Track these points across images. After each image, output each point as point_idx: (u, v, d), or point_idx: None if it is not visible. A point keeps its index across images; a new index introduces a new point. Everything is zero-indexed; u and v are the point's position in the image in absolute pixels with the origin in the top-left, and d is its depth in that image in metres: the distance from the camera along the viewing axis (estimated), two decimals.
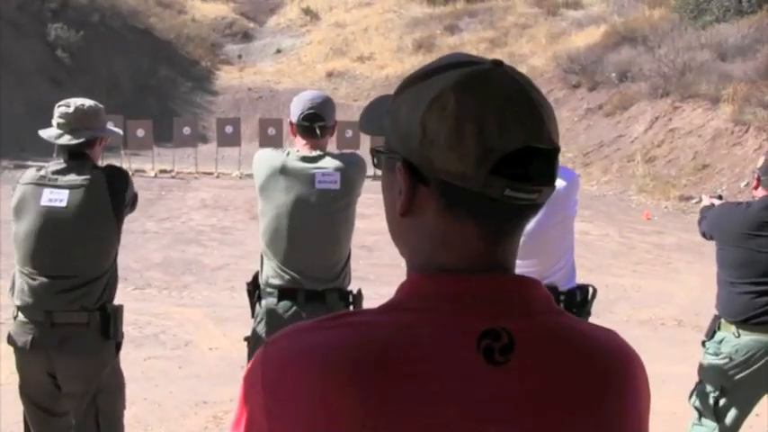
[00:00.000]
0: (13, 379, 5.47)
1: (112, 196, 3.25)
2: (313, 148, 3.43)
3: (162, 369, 6.04)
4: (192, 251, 10.48)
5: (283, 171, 3.39)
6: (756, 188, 3.79)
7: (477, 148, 0.85)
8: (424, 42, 23.47)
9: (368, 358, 0.84)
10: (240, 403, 0.90)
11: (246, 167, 17.34)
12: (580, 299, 3.53)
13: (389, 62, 23.42)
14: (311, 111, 3.41)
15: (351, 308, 3.48)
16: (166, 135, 17.72)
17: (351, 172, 3.44)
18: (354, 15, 26.42)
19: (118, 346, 3.38)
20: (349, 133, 17.94)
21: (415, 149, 0.88)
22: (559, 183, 3.40)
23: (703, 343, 3.88)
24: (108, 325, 3.25)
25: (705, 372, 3.75)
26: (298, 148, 3.47)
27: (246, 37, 27.05)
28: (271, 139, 17.85)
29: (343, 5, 27.25)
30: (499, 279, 0.89)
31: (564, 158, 17.88)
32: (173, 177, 16.40)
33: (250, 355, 3.49)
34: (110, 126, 3.55)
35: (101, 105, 3.46)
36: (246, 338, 3.56)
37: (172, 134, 17.80)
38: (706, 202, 4.23)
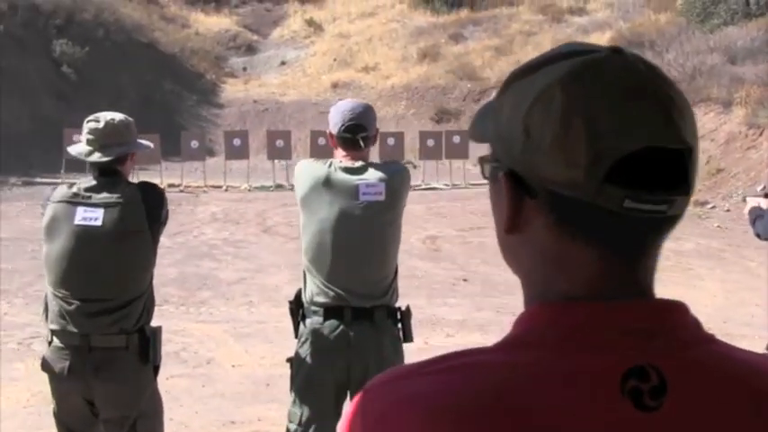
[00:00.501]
0: (35, 401, 5.36)
1: (148, 214, 3.14)
2: (355, 159, 3.32)
3: (185, 388, 5.90)
4: (207, 266, 10.35)
5: (326, 183, 3.28)
6: None
7: (587, 151, 0.71)
8: (429, 51, 23.40)
9: (478, 407, 0.71)
10: None
11: (255, 180, 17.31)
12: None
13: (394, 72, 23.34)
14: (352, 122, 3.29)
15: (399, 325, 3.37)
16: (173, 149, 17.64)
17: (395, 182, 3.32)
18: (358, 26, 26.38)
19: (156, 369, 3.27)
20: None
21: (518, 156, 0.75)
22: None
23: None
24: (147, 348, 3.14)
25: None
26: (339, 159, 3.35)
27: (250, 49, 27.00)
28: (280, 151, 17.76)
29: (347, 16, 27.20)
30: (638, 306, 0.75)
31: None
32: (181, 191, 16.29)
33: (293, 378, 3.38)
34: (140, 140, 3.43)
35: (130, 119, 3.34)
36: (289, 360, 3.45)
37: (179, 148, 17.73)
38: (753, 202, 4.11)
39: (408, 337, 3.39)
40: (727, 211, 13.86)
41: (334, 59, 24.93)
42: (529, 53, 22.58)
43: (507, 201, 0.77)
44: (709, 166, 15.13)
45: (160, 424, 3.33)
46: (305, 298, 3.36)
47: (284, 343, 6.86)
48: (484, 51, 22.95)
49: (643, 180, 0.72)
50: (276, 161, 17.62)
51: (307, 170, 3.35)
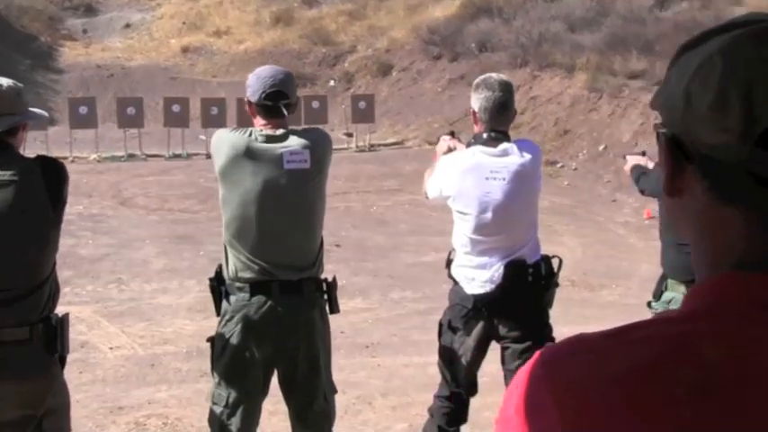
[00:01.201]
0: None
1: (50, 192, 2.83)
2: (275, 127, 3.24)
3: None
4: (64, 243, 9.91)
5: (248, 153, 3.17)
6: None
7: (741, 117, 0.75)
8: (283, 15, 23.08)
9: (692, 375, 0.73)
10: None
11: (104, 150, 16.62)
12: (546, 270, 3.57)
13: (248, 36, 22.89)
14: (274, 89, 3.21)
15: (325, 297, 3.34)
16: None
17: (319, 149, 3.28)
18: None
19: (62, 360, 3.08)
20: (214, 111, 17.47)
21: (678, 121, 0.80)
22: (524, 156, 3.43)
23: (649, 303, 4.03)
24: (53, 338, 2.95)
25: None
26: (259, 127, 3.26)
27: (90, 11, 25.68)
28: (131, 119, 17.14)
29: None
30: None
31: (431, 128, 18.14)
32: None
33: (214, 357, 3.33)
34: (32, 109, 3.07)
35: (20, 84, 3.03)
36: (210, 339, 3.38)
37: None
38: (632, 161, 4.36)
39: (335, 308, 3.37)
40: (575, 169, 14.60)
41: (183, 23, 24.13)
42: (382, 18, 22.72)
43: (667, 164, 0.81)
44: (557, 128, 15.86)
45: (68, 420, 3.07)
46: (227, 274, 3.27)
47: (162, 320, 6.76)
48: (338, 16, 22.87)
49: None
50: (127, 130, 16.98)
51: (225, 140, 3.23)
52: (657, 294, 3.98)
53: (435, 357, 6.08)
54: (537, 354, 0.82)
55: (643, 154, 4.47)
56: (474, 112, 3.50)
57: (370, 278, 8.23)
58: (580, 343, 0.80)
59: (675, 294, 3.86)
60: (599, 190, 13.16)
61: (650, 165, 4.25)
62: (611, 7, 18.65)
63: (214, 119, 17.15)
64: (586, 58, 16.77)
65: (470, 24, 20.19)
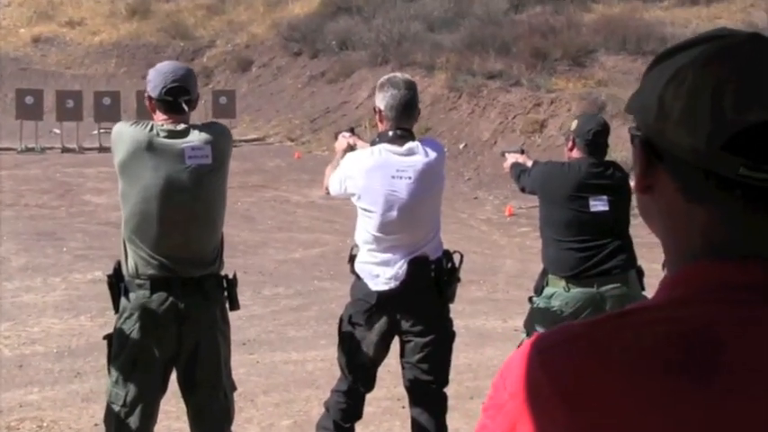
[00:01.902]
0: None
1: None
2: (176, 123, 3.20)
3: None
4: None
5: (149, 147, 3.12)
6: (572, 150, 4.11)
7: (710, 121, 0.82)
8: (139, 8, 22.39)
9: (686, 357, 0.80)
10: (511, 419, 0.83)
11: None
12: (448, 266, 3.65)
13: (103, 27, 22.07)
14: (175, 84, 3.17)
15: (225, 293, 3.33)
16: None
17: (220, 143, 3.26)
18: None
19: None
20: (70, 104, 16.75)
21: (651, 124, 0.87)
22: (429, 155, 3.50)
23: (530, 299, 4.18)
24: None
25: (534, 325, 4.04)
26: (160, 122, 3.21)
27: None
28: (30, 110, 16.23)
29: None
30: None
31: (292, 125, 18.12)
32: None
33: (111, 356, 3.24)
34: None
35: None
36: (107, 336, 3.28)
37: None
38: (512, 159, 4.49)
39: (235, 305, 3.35)
40: None
41: (34, 11, 22.99)
42: (241, 13, 22.46)
43: (640, 163, 0.89)
44: (419, 125, 16.11)
45: None
46: (126, 270, 3.20)
47: (27, 320, 6.46)
48: (196, 10, 22.42)
49: (760, 152, 0.80)
50: None
51: (126, 134, 3.17)
52: (539, 289, 4.12)
53: (313, 353, 6.16)
54: (528, 343, 0.87)
55: (522, 152, 4.63)
56: (379, 111, 3.53)
57: (241, 275, 8.10)
58: (571, 330, 0.86)
59: (556, 289, 3.99)
60: (460, 187, 13.53)
61: (529, 163, 4.40)
62: (468, 9, 19.17)
63: (70, 112, 16.48)
64: (446, 58, 17.17)
65: (331, 22, 20.27)
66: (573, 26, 17.16)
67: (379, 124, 3.57)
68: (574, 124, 4.15)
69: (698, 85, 0.84)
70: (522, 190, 4.36)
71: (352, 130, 4.03)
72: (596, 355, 0.81)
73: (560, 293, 3.98)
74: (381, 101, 3.51)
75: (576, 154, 4.07)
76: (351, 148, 3.79)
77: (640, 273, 4.08)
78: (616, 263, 3.92)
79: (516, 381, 0.84)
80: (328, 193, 3.78)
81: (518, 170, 4.37)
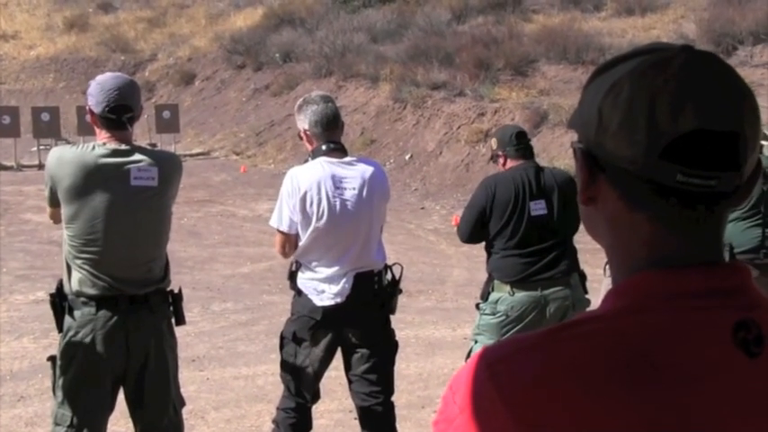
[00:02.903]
0: None
1: None
2: (120, 140, 3.16)
3: None
4: None
5: (94, 170, 3.09)
6: (505, 164, 4.16)
7: (647, 132, 0.84)
8: (77, 21, 22.06)
9: (629, 367, 0.82)
10: None
11: None
12: (391, 278, 3.65)
13: (39, 41, 21.69)
14: (118, 102, 3.12)
15: (171, 308, 3.29)
16: None
17: (167, 167, 3.23)
18: None
19: None
20: (6, 120, 16.38)
21: (591, 136, 0.88)
22: (372, 167, 3.51)
23: (477, 305, 4.21)
24: None
25: (482, 331, 4.08)
26: (103, 141, 3.16)
27: None
28: None
29: None
30: (721, 269, 0.88)
31: (237, 138, 17.99)
32: None
33: (56, 377, 3.16)
34: None
35: None
36: (51, 358, 3.20)
37: None
38: None
39: (181, 320, 3.32)
40: None
41: None
42: (183, 26, 22.27)
43: (582, 175, 0.90)
44: (364, 137, 16.20)
45: None
46: (69, 289, 3.16)
47: None
48: (136, 23, 22.17)
49: (695, 158, 0.83)
50: None
51: (67, 158, 3.13)
52: (485, 295, 4.18)
53: (263, 368, 6.10)
54: (476, 356, 0.88)
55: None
56: (305, 132, 3.49)
57: (189, 291, 7.98)
58: (519, 343, 0.88)
59: (501, 294, 4.06)
60: (407, 198, 13.58)
61: None
62: (411, 20, 19.30)
63: (6, 128, 16.13)
64: (390, 69, 17.25)
65: (274, 34, 20.23)
66: (514, 36, 17.39)
67: (308, 145, 3.53)
68: (494, 142, 4.22)
69: (634, 97, 0.86)
70: (467, 236, 4.23)
71: None
72: (544, 368, 0.83)
73: (505, 298, 4.03)
74: (304, 121, 3.48)
75: (510, 164, 4.13)
76: None
77: (583, 276, 4.16)
78: (560, 267, 3.99)
79: (466, 394, 0.85)
80: (285, 247, 3.59)
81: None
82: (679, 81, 0.86)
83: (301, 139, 3.56)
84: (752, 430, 0.85)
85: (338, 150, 3.50)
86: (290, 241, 3.55)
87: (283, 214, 3.52)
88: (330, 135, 3.47)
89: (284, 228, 3.53)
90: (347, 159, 3.50)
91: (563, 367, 0.82)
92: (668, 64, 0.87)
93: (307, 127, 3.47)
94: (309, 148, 3.52)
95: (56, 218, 3.30)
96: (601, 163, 0.88)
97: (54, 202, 3.20)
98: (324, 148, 3.46)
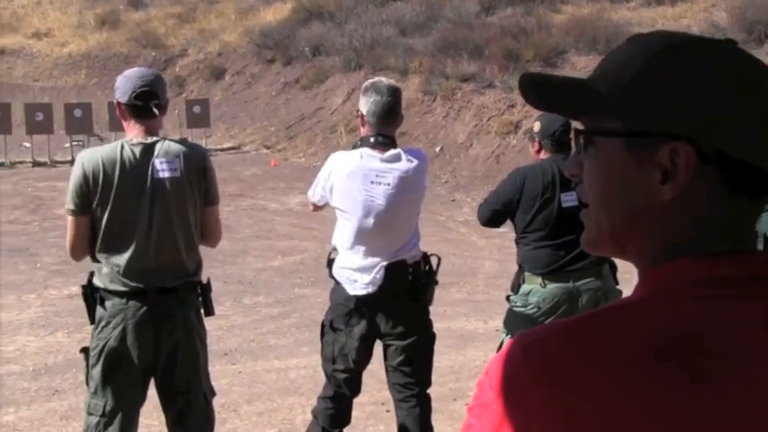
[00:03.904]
0: None
1: None
2: (148, 130, 3.21)
3: None
4: None
5: (122, 165, 3.14)
6: (539, 152, 4.14)
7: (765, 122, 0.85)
8: (108, 18, 22.25)
9: (665, 354, 0.80)
10: (497, 418, 0.83)
11: None
12: (426, 269, 3.64)
13: (71, 39, 21.89)
14: (144, 88, 3.16)
15: (200, 299, 3.33)
16: None
17: (191, 157, 3.26)
18: None
19: None
20: (39, 116, 16.57)
21: (701, 125, 0.85)
22: (411, 163, 3.49)
23: (508, 297, 4.19)
24: None
25: (514, 323, 4.05)
26: (130, 135, 3.22)
27: None
28: None
29: None
30: (759, 258, 0.87)
31: (267, 132, 18.06)
32: None
33: (88, 369, 3.21)
34: None
35: None
36: (84, 349, 3.26)
37: None
38: None
39: (210, 311, 3.37)
40: None
41: None
42: (213, 21, 22.36)
43: (684, 168, 0.86)
44: None
45: None
46: (100, 282, 3.21)
47: (1, 339, 6.36)
48: (166, 19, 22.30)
49: None
50: None
51: (99, 157, 3.17)
52: (516, 287, 4.15)
53: (295, 361, 6.12)
54: (512, 341, 0.87)
55: None
56: (361, 115, 3.52)
57: (221, 284, 8.07)
58: (554, 328, 0.87)
59: (533, 286, 4.04)
60: (438, 190, 13.53)
61: None
62: (439, 12, 19.21)
63: (40, 125, 16.30)
64: (419, 62, 17.18)
65: (303, 28, 20.24)
66: (543, 27, 17.23)
67: (362, 128, 3.57)
68: (537, 126, 4.16)
69: (749, 85, 0.85)
70: (487, 220, 4.21)
71: None
72: (579, 353, 0.82)
73: (537, 290, 4.01)
74: (364, 105, 3.51)
75: (543, 155, 4.11)
76: None
77: (613, 267, 4.13)
78: (590, 258, 3.94)
79: (501, 379, 0.84)
80: (315, 209, 3.79)
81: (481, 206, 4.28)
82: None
83: (359, 118, 3.59)
84: None
85: (384, 144, 3.50)
86: (319, 208, 3.79)
87: (316, 191, 3.66)
88: (382, 128, 3.49)
89: (315, 199, 3.70)
90: (390, 153, 3.49)
91: (597, 352, 0.81)
92: (755, 59, 0.88)
93: (364, 112, 3.51)
94: (362, 131, 3.56)
95: (77, 240, 3.23)
96: (704, 152, 0.85)
97: (83, 207, 3.17)
98: (372, 140, 3.50)
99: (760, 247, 4.49)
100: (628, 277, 0.97)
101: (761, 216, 0.90)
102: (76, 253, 3.26)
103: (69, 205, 3.20)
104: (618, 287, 4.10)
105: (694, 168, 0.85)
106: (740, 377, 0.81)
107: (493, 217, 4.16)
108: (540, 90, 0.94)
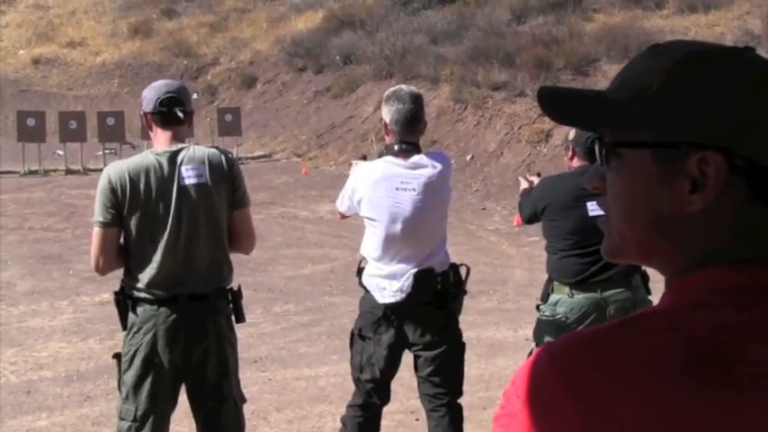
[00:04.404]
0: None
1: None
2: (175, 138, 3.25)
3: None
4: None
5: (150, 172, 3.18)
6: (572, 159, 4.10)
7: None
8: (141, 27, 22.48)
9: (693, 363, 0.79)
10: (524, 427, 0.82)
11: None
12: (455, 279, 3.63)
13: (104, 48, 22.15)
14: (169, 95, 3.23)
15: (231, 306, 3.34)
16: None
17: (216, 163, 3.28)
18: None
19: None
20: (73, 125, 16.78)
21: (730, 134, 0.84)
22: (435, 168, 3.48)
23: (538, 307, 4.16)
24: None
25: (542, 333, 4.02)
26: (157, 144, 3.27)
27: None
28: (33, 132, 16.25)
29: None
30: None
31: (298, 141, 18.13)
32: None
33: (124, 372, 3.24)
34: None
35: None
36: (116, 355, 3.30)
37: None
38: (524, 184, 4.47)
39: (241, 317, 3.39)
40: None
41: (33, 33, 23.09)
42: (244, 30, 22.51)
43: (715, 178, 0.84)
44: (425, 138, 16.07)
45: None
46: (132, 288, 3.25)
47: (35, 344, 6.43)
48: (199, 28, 22.49)
49: None
50: None
51: (125, 167, 3.22)
52: (545, 297, 4.13)
53: (325, 369, 6.12)
54: (539, 350, 0.86)
55: (538, 175, 4.61)
56: (385, 124, 3.53)
57: (251, 292, 8.09)
58: (582, 336, 0.86)
59: (561, 296, 4.01)
60: (468, 199, 13.50)
61: None
62: (471, 21, 19.19)
63: (73, 133, 16.51)
64: (450, 70, 17.17)
65: (334, 37, 20.31)
66: (575, 36, 17.15)
67: (386, 136, 3.57)
68: (571, 134, 4.13)
69: None
70: (526, 219, 4.30)
71: (364, 158, 4.03)
72: (608, 361, 0.81)
73: (565, 300, 3.98)
74: (387, 114, 3.51)
75: (576, 163, 4.08)
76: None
77: (645, 277, 4.07)
78: (619, 268, 3.90)
79: (529, 388, 0.83)
80: (342, 217, 3.81)
81: (520, 198, 4.35)
82: None
83: (382, 127, 3.59)
84: None
85: (408, 151, 3.51)
86: (346, 216, 3.83)
87: (344, 202, 3.68)
88: (405, 135, 3.50)
89: (343, 209, 3.73)
90: (413, 160, 3.49)
91: (625, 361, 0.80)
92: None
93: (387, 121, 3.52)
94: (386, 140, 3.58)
95: (102, 252, 3.22)
96: (735, 162, 0.84)
97: (114, 218, 3.19)
98: (396, 148, 3.51)
99: None
100: (660, 287, 0.95)
101: None
102: (100, 266, 3.26)
103: (98, 217, 3.22)
104: (650, 297, 4.05)
105: (724, 178, 0.84)
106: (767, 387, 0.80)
107: (530, 218, 4.23)
108: (559, 103, 0.93)
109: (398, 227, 3.47)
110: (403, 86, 3.69)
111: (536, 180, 4.42)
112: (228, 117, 17.79)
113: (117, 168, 3.22)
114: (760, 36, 14.49)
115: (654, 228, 0.88)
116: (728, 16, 16.60)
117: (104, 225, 3.20)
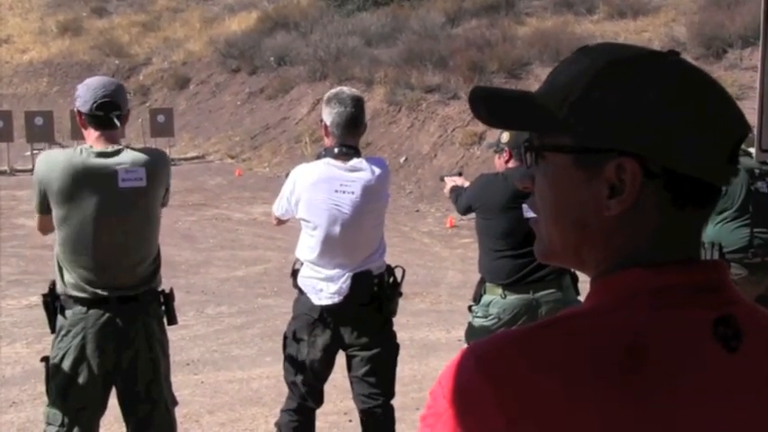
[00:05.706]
0: None
1: None
2: (109, 140, 3.19)
3: None
4: None
5: (82, 173, 3.12)
6: (508, 161, 4.14)
7: (719, 136, 0.87)
8: (70, 25, 22.01)
9: (615, 363, 0.82)
10: (450, 427, 0.84)
11: None
12: (391, 281, 3.65)
13: (32, 46, 21.64)
14: (105, 99, 3.15)
15: (162, 308, 3.31)
16: None
17: (155, 166, 3.25)
18: None
19: None
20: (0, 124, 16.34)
21: (647, 141, 0.85)
22: (374, 173, 3.50)
23: (470, 308, 4.20)
24: None
25: (474, 334, 4.07)
26: (90, 143, 3.20)
27: None
28: None
29: None
30: (703, 266, 0.89)
31: (232, 142, 17.98)
32: None
33: (52, 376, 3.18)
34: None
35: None
36: (45, 358, 3.23)
37: None
38: (450, 183, 4.53)
39: (172, 320, 3.36)
40: None
41: None
42: (177, 30, 22.24)
43: (630, 184, 0.87)
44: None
45: None
46: (62, 289, 3.20)
47: None
48: (130, 27, 22.12)
49: (736, 160, 0.90)
50: None
51: (55, 161, 3.15)
52: (477, 297, 4.17)
53: (258, 371, 6.09)
54: (464, 350, 0.88)
55: (460, 175, 4.68)
56: (325, 126, 3.53)
57: (184, 294, 8.02)
58: (507, 337, 0.88)
59: (493, 297, 4.05)
60: (402, 201, 13.57)
61: (466, 184, 4.45)
62: (405, 23, 19.28)
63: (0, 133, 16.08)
64: (384, 72, 17.24)
65: (268, 38, 20.20)
66: (508, 39, 17.37)
67: (325, 138, 3.57)
68: (505, 136, 4.16)
69: (697, 100, 0.86)
70: (463, 212, 4.37)
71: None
72: (531, 362, 0.83)
73: (497, 301, 4.03)
74: (327, 116, 3.51)
75: (512, 164, 4.11)
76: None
77: (574, 278, 4.15)
78: (550, 269, 3.96)
79: (454, 388, 0.85)
80: (279, 223, 3.80)
81: (456, 194, 4.41)
82: (719, 88, 0.89)
83: (322, 129, 3.60)
84: (733, 424, 0.86)
85: (347, 155, 3.51)
86: (282, 222, 3.84)
87: (281, 204, 3.67)
88: (346, 138, 3.50)
89: (279, 213, 3.73)
90: (352, 163, 3.50)
91: (550, 362, 0.83)
92: (698, 71, 0.90)
93: (327, 123, 3.50)
94: (326, 141, 3.56)
95: (44, 228, 3.31)
96: (650, 168, 0.86)
97: (43, 208, 3.21)
98: (335, 150, 3.49)
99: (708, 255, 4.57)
100: (587, 288, 0.99)
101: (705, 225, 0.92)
102: (47, 232, 3.30)
103: (35, 207, 3.24)
104: (579, 298, 4.13)
105: (640, 184, 0.86)
106: (686, 385, 0.84)
107: (467, 211, 4.28)
108: (489, 105, 0.94)
109: (337, 229, 3.48)
110: (345, 89, 3.69)
111: (458, 179, 4.48)
112: (161, 118, 17.54)
113: (48, 159, 3.17)
114: (685, 43, 14.92)
115: (578, 230, 0.91)
116: (656, 23, 17.03)
117: (42, 213, 3.23)
